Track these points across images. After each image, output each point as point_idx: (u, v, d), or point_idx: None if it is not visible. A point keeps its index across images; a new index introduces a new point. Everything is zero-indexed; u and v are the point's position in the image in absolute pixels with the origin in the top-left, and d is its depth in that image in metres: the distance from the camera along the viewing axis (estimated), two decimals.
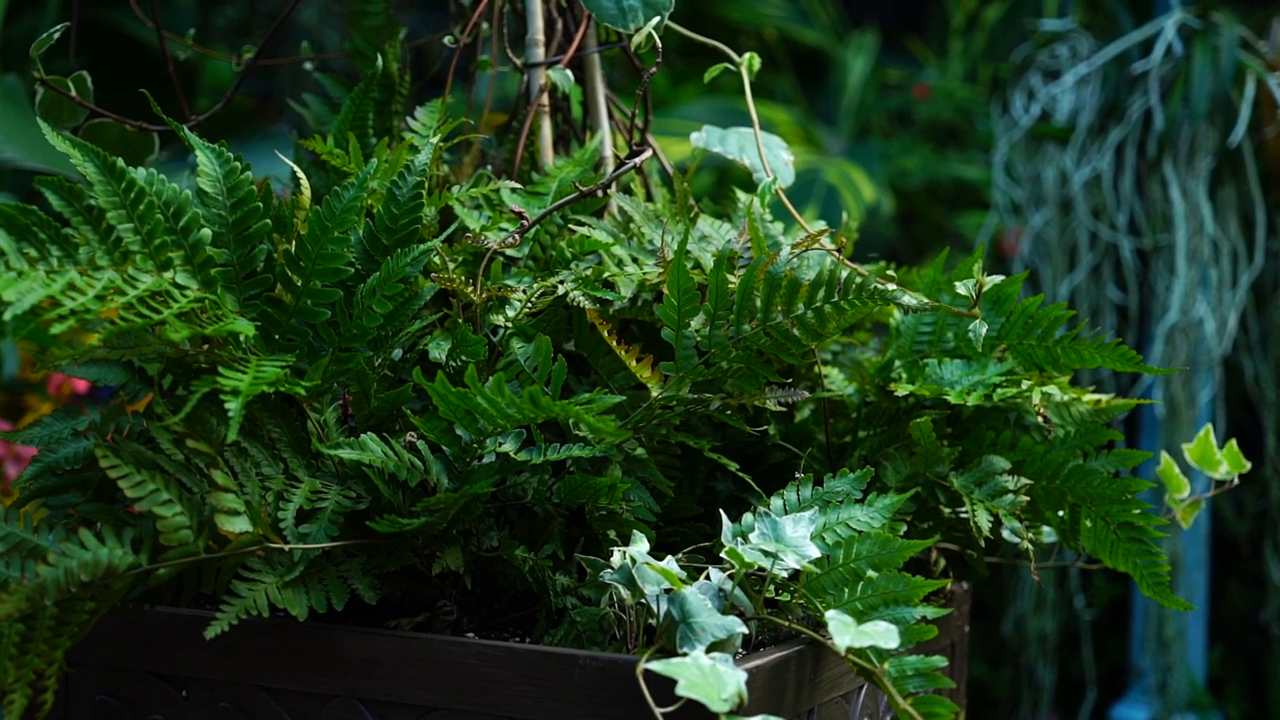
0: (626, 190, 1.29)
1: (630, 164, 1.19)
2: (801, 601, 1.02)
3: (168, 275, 0.98)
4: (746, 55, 1.24)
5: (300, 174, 1.13)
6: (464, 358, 1.08)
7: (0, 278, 0.89)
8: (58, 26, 1.18)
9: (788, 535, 1.01)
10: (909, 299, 1.03)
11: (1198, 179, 2.16)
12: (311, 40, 2.64)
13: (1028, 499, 1.15)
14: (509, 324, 1.11)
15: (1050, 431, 1.21)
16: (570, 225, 1.22)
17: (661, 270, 1.15)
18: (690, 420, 1.18)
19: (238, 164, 1.05)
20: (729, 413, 1.12)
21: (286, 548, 0.98)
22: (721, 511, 1.04)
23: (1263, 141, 2.18)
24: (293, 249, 1.04)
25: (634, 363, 1.08)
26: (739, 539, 1.02)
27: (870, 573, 1.01)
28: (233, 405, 0.92)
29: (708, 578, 1.00)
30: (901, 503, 1.07)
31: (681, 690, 0.86)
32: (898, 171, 3.05)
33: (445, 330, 1.12)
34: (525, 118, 1.30)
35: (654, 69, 1.22)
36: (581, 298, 1.12)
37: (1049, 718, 2.34)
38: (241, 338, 1.01)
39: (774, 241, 1.25)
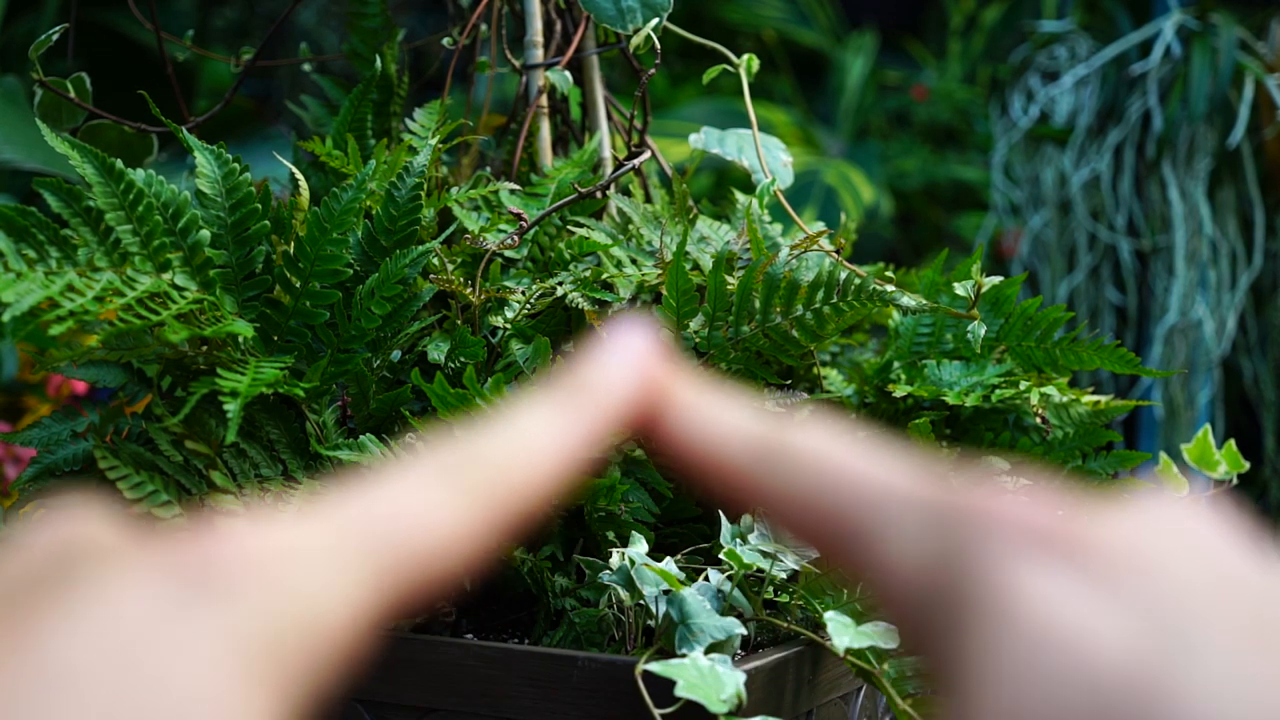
0: (625, 191, 1.29)
1: (629, 165, 1.19)
2: (800, 603, 1.02)
3: (166, 276, 0.98)
4: (745, 56, 1.24)
5: (299, 175, 1.13)
6: (463, 359, 1.08)
7: None
8: (56, 28, 1.18)
9: None
10: (908, 300, 1.03)
11: (1196, 180, 2.16)
12: (310, 42, 2.64)
13: None
14: (508, 325, 1.11)
15: (1049, 433, 1.21)
16: (569, 227, 1.22)
17: (660, 271, 1.15)
18: None
19: (236, 165, 1.05)
20: None
21: None
22: (720, 512, 1.04)
23: (1261, 143, 2.18)
24: (291, 250, 1.04)
25: None
26: (738, 540, 1.02)
27: None
28: (231, 407, 0.92)
29: (706, 579, 1.00)
30: None
31: (680, 691, 0.86)
32: (896, 173, 3.06)
33: (444, 331, 1.12)
34: (524, 119, 1.29)
35: (652, 70, 1.22)
36: (580, 299, 1.12)
37: None
38: (240, 339, 1.01)
39: (773, 243, 1.25)
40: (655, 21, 1.18)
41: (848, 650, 0.94)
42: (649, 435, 0.40)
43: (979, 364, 1.20)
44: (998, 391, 1.16)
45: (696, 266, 1.16)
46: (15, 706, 0.27)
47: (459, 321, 1.11)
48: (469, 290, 1.11)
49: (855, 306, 1.03)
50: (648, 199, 1.32)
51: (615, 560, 1.00)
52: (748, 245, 1.18)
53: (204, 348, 1.01)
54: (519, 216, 1.16)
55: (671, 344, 1.07)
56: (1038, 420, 1.20)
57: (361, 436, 1.01)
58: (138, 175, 0.99)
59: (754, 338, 1.06)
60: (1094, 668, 0.29)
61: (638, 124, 1.29)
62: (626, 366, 0.39)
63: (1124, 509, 0.33)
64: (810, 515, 0.36)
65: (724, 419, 0.39)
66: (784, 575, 1.01)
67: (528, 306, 1.12)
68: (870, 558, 0.35)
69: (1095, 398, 1.25)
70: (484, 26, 1.34)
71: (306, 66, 1.41)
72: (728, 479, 0.38)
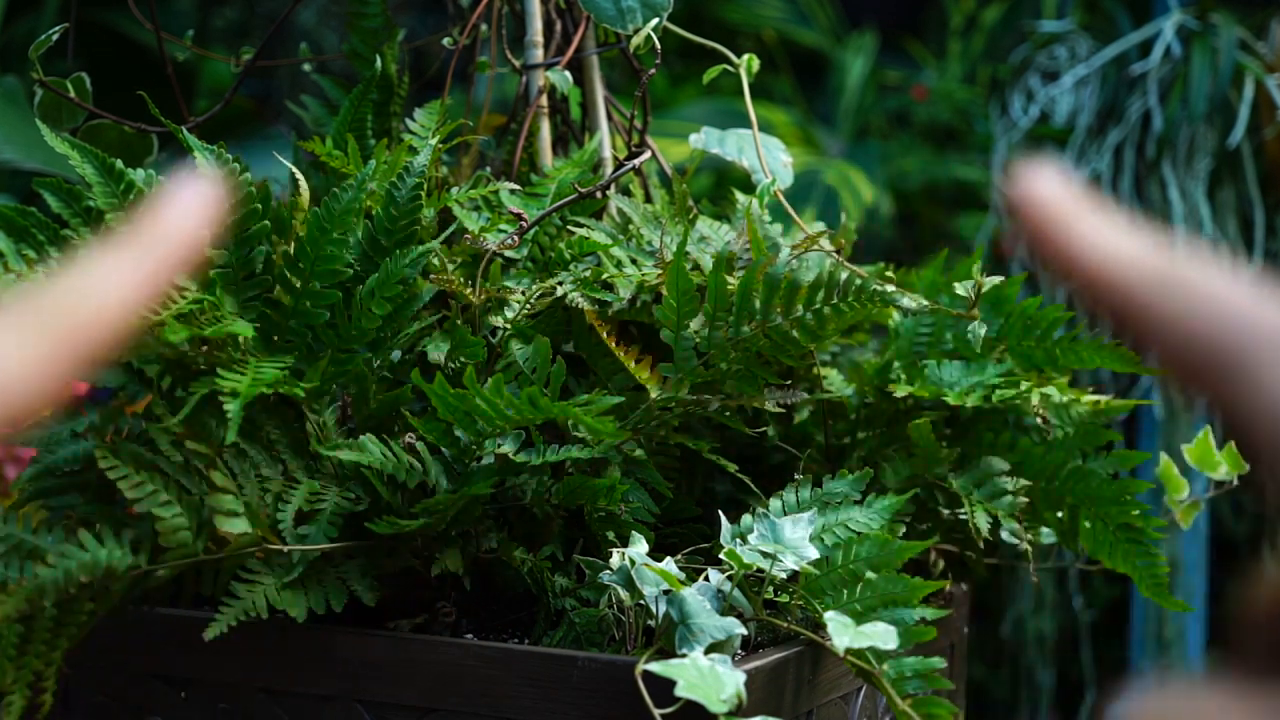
0: (625, 191, 1.29)
1: (629, 165, 1.19)
2: (800, 603, 1.02)
3: None
4: (745, 56, 1.24)
5: (299, 175, 1.13)
6: (463, 359, 1.08)
7: None
8: (56, 28, 1.18)
9: (786, 536, 1.01)
10: (908, 300, 1.03)
11: (1196, 180, 2.16)
12: (310, 42, 2.64)
13: (1026, 500, 1.15)
14: (508, 325, 1.11)
15: (1049, 432, 1.21)
16: (569, 227, 1.22)
17: (660, 271, 1.15)
18: (689, 421, 1.17)
19: (236, 165, 1.05)
20: (728, 414, 1.12)
21: (285, 549, 0.98)
22: (720, 513, 1.04)
23: (1261, 143, 2.18)
24: (291, 250, 1.04)
25: (633, 364, 1.08)
26: (738, 540, 1.02)
27: (869, 574, 1.01)
28: (231, 407, 0.92)
29: (706, 579, 1.00)
30: (900, 504, 1.07)
31: (680, 691, 0.86)
32: (897, 173, 3.05)
33: (444, 332, 1.12)
34: (524, 119, 1.29)
35: (653, 70, 1.22)
36: (580, 299, 1.12)
37: (1048, 719, 2.34)
38: (240, 339, 1.01)
39: (773, 243, 1.25)
40: (655, 21, 1.18)
41: (848, 650, 0.94)
42: (1054, 250, 0.43)
43: (979, 364, 1.20)
44: (998, 391, 1.16)
45: (696, 266, 1.16)
46: None
47: (459, 321, 1.11)
48: (469, 290, 1.11)
49: (855, 307, 1.03)
50: (648, 199, 1.32)
51: (615, 560, 1.00)
52: (748, 245, 1.18)
53: (204, 348, 1.01)
54: (519, 216, 1.16)
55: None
56: (1038, 420, 1.20)
57: (362, 436, 1.01)
58: (138, 175, 0.99)
59: (754, 338, 1.06)
60: None
61: (638, 124, 1.29)
62: (180, 213, 0.43)
63: None
64: (1198, 343, 0.38)
65: (1126, 241, 0.41)
66: (784, 575, 1.01)
67: (528, 306, 1.12)
68: (1253, 393, 0.36)
69: (1095, 397, 1.25)
70: (484, 26, 1.34)
71: (306, 66, 1.41)
72: (1122, 296, 0.40)
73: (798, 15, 3.44)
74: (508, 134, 1.35)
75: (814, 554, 1.00)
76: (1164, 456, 1.28)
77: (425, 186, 1.08)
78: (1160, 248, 0.41)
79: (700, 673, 0.88)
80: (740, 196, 1.30)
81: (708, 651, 0.93)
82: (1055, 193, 0.43)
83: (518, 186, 1.24)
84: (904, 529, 1.11)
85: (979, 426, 1.21)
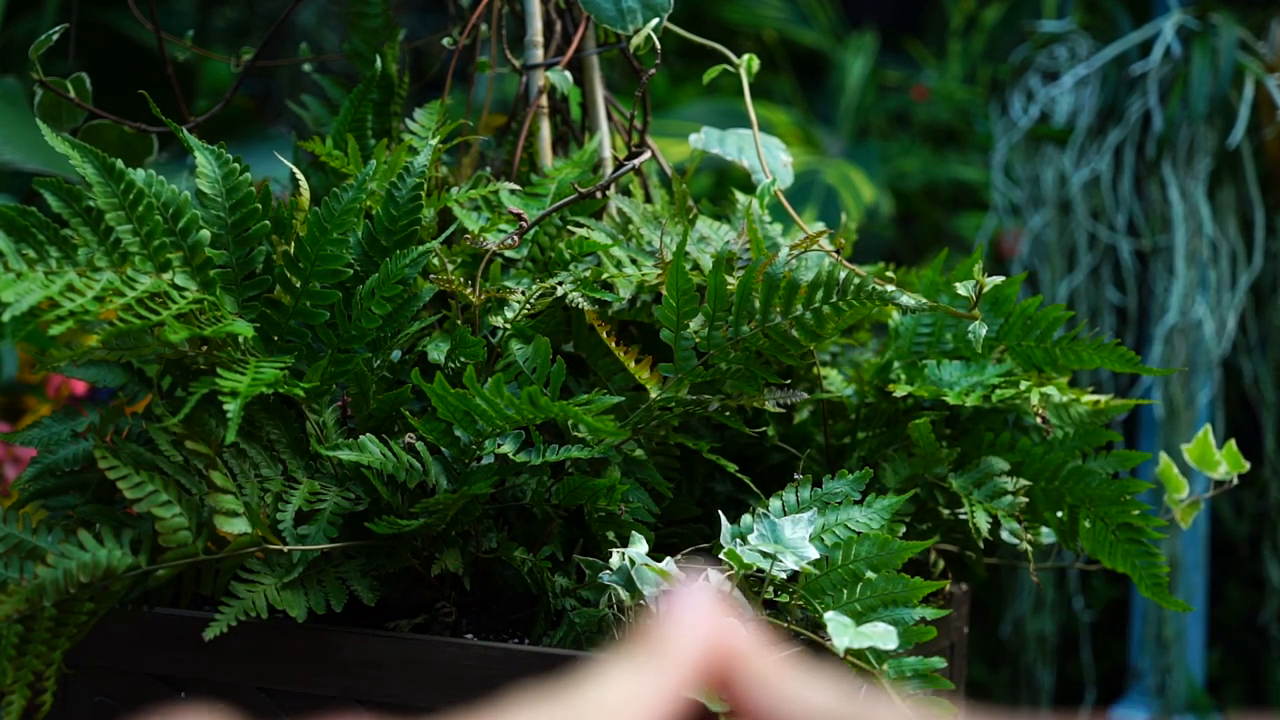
0: (625, 191, 1.29)
1: (629, 165, 1.19)
2: (800, 603, 1.02)
3: (167, 276, 0.98)
4: (745, 56, 1.24)
5: (299, 175, 1.13)
6: (463, 359, 1.08)
7: None
8: (56, 28, 1.18)
9: (786, 536, 1.01)
10: (908, 300, 1.03)
11: (1196, 180, 2.16)
12: (310, 42, 2.64)
13: (1026, 500, 1.15)
14: (508, 325, 1.11)
15: (1049, 432, 1.21)
16: (569, 227, 1.22)
17: (660, 271, 1.15)
18: (689, 421, 1.18)
19: (236, 165, 1.05)
20: (728, 414, 1.12)
21: (285, 549, 0.98)
22: (720, 513, 1.04)
23: (1261, 143, 2.18)
24: (292, 250, 1.04)
25: (633, 364, 1.08)
26: (738, 540, 1.02)
27: (869, 574, 1.01)
28: (231, 406, 0.92)
29: (706, 579, 1.00)
30: (900, 504, 1.07)
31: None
32: (897, 173, 3.06)
33: (444, 332, 1.12)
34: (524, 119, 1.29)
35: (653, 70, 1.22)
36: (580, 299, 1.12)
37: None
38: (240, 339, 1.01)
39: (773, 243, 1.25)
40: (655, 22, 1.18)
41: (848, 650, 0.94)
42: (727, 697, 0.43)
43: (979, 364, 1.20)
44: (998, 391, 1.16)
45: (696, 266, 1.16)
46: None
47: (459, 321, 1.11)
48: (469, 290, 1.11)
49: (855, 306, 1.03)
50: (648, 199, 1.32)
51: (615, 560, 1.00)
52: (748, 245, 1.18)
53: (204, 348, 1.01)
54: (519, 216, 1.16)
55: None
56: (1038, 420, 1.19)
57: (361, 436, 1.01)
58: (138, 175, 0.99)
59: (754, 337, 1.06)
60: None
61: (638, 124, 1.29)
62: (696, 632, 0.43)
63: None
64: None
65: (804, 693, 0.41)
66: (784, 575, 1.01)
67: (528, 306, 1.12)
68: None
69: (1095, 397, 1.25)
70: (484, 26, 1.34)
71: (307, 66, 1.41)
72: None
73: (798, 15, 3.44)
74: (508, 134, 1.35)
75: (814, 554, 1.00)
76: (1164, 456, 1.28)
77: (425, 186, 1.08)
78: (842, 696, 0.41)
79: None
80: (740, 196, 1.30)
81: None
82: (713, 633, 0.43)
83: (518, 186, 1.24)
84: (904, 529, 1.11)
85: (979, 426, 1.21)
